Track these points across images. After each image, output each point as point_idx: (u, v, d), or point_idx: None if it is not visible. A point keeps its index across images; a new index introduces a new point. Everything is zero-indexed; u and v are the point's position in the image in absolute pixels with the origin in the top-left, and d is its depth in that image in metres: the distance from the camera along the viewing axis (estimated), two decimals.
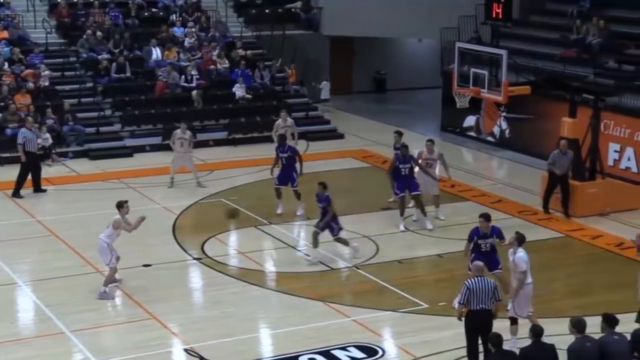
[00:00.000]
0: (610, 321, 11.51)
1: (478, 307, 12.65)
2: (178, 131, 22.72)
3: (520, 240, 13.99)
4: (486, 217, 15.29)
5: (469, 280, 12.77)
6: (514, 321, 13.88)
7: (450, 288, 16.98)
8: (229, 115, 28.32)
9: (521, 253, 13.85)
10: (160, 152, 26.04)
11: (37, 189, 22.66)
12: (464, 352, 13.33)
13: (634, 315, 12.12)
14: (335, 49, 34.44)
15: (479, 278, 12.75)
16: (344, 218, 20.22)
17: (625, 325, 11.93)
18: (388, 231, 19.59)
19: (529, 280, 13.86)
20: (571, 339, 11.38)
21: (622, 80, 24.62)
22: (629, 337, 11.61)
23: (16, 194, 22.19)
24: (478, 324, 12.73)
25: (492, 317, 12.83)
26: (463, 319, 12.94)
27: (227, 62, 29.79)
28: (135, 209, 21.12)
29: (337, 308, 15.56)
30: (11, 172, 24.10)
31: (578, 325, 11.31)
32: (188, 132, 22.86)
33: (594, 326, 11.87)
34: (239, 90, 28.66)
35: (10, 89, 26.54)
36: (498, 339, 11.37)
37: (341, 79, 34.90)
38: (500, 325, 12.67)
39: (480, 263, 12.99)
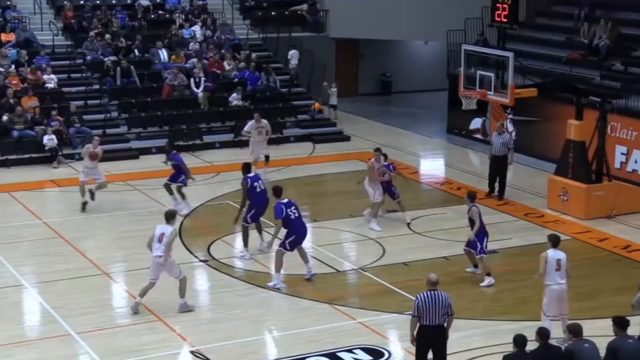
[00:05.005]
0: (621, 323, 11.45)
1: (428, 323, 12.08)
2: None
3: None
4: None
5: (419, 295, 12.13)
6: None
7: (456, 290, 16.99)
8: (235, 117, 28.31)
9: None
10: None
11: None
12: (469, 354, 13.31)
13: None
14: (341, 51, 34.45)
15: (431, 292, 12.12)
16: (350, 220, 20.33)
17: (633, 328, 11.89)
18: (394, 233, 19.56)
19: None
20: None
21: (629, 83, 24.59)
22: None
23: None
24: (429, 340, 12.25)
25: (444, 332, 12.27)
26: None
27: (233, 64, 29.77)
28: (141, 210, 21.27)
29: (343, 310, 15.54)
30: (17, 175, 24.20)
31: (575, 331, 11.32)
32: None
33: (601, 328, 11.84)
34: (235, 100, 28.58)
35: (16, 91, 26.55)
36: (523, 339, 11.16)
37: (347, 81, 34.87)
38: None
39: (434, 276, 12.35)
